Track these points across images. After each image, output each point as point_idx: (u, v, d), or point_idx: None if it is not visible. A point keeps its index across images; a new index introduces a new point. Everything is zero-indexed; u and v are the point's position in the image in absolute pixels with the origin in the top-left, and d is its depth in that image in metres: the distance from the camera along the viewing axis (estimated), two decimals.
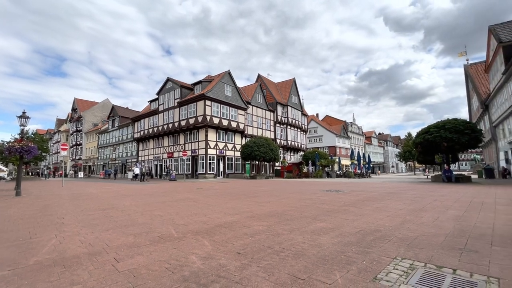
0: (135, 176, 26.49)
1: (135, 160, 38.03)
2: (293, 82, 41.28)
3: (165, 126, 31.95)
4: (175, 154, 31.02)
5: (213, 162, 27.69)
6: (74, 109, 58.23)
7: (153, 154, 34.84)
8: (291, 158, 39.85)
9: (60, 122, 66.50)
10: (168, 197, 9.01)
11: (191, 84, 31.68)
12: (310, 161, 33.48)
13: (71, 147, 56.50)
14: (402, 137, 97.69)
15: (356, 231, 3.66)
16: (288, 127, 39.27)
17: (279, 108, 37.93)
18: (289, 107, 39.19)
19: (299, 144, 41.92)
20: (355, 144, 65.29)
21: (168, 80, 32.67)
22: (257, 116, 34.61)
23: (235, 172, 30.38)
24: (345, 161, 50.44)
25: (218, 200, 7.81)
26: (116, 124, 44.23)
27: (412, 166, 73.30)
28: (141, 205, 6.99)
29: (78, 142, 55.69)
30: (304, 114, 44.32)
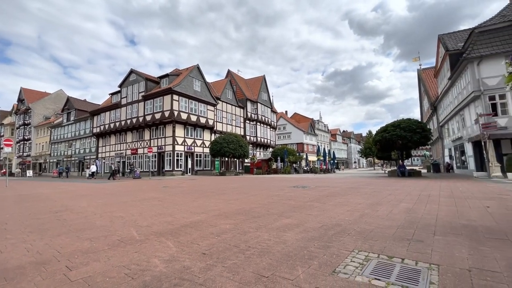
0: (92, 174, 24.68)
1: (94, 157, 35.38)
2: (263, 79, 41.59)
3: (129, 121, 30.14)
4: (140, 151, 29.49)
5: (181, 159, 26.88)
6: (20, 100, 52.07)
7: (115, 151, 32.71)
8: (260, 154, 40.30)
9: (3, 114, 59.07)
10: (131, 196, 8.55)
11: (157, 77, 30.25)
12: (279, 158, 34.22)
13: (17, 142, 50.64)
14: (364, 134, 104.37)
15: (319, 226, 3.83)
16: (258, 123, 39.58)
17: (249, 104, 37.98)
18: (259, 104, 39.46)
19: (268, 141, 42.54)
20: (321, 141, 68.17)
21: (131, 71, 30.78)
22: (226, 112, 34.29)
23: (204, 169, 29.88)
24: (312, 157, 52.45)
25: (185, 198, 7.62)
26: (72, 118, 40.60)
27: (372, 161, 78.84)
28: (100, 206, 6.54)
29: (26, 137, 50.08)
30: (273, 111, 45.00)
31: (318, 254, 2.63)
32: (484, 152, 15.03)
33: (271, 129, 44.07)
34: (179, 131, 27.01)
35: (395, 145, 17.55)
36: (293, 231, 3.58)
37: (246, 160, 35.10)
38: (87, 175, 27.54)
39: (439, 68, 23.96)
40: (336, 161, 48.62)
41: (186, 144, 27.60)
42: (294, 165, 38.67)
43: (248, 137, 37.23)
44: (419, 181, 12.69)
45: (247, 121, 37.66)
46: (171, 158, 26.13)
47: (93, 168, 25.29)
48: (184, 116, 26.95)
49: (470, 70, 16.11)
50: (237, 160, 33.86)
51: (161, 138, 27.52)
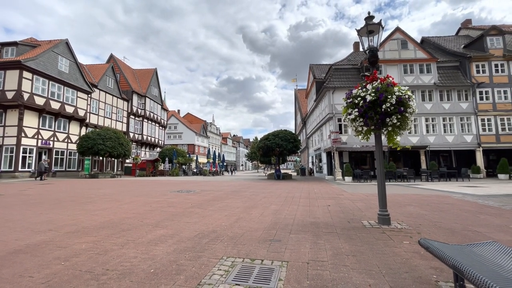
0: None
1: None
2: (154, 73, 38.27)
3: None
4: None
5: (30, 156, 20.57)
6: None
7: None
8: (146, 154, 36.66)
9: None
10: None
11: None
12: (167, 158, 32.26)
13: None
14: (251, 140, 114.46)
15: (194, 234, 3.79)
16: (145, 120, 35.92)
17: (135, 98, 33.91)
18: (147, 99, 35.93)
19: (157, 140, 39.36)
20: (213, 144, 69.55)
21: None
22: (105, 103, 29.19)
23: (68, 169, 24.12)
24: (203, 159, 52.53)
25: (28, 211, 5.81)
26: None
27: (257, 164, 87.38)
28: None
29: None
30: (164, 108, 42.12)
31: (187, 267, 2.58)
32: (332, 160, 19.64)
33: (161, 127, 41.03)
34: (31, 120, 20.67)
35: (274, 151, 20.17)
36: (166, 243, 3.37)
37: (128, 160, 31.00)
38: None
39: (308, 91, 29.59)
40: (225, 164, 50.72)
41: (40, 137, 21.41)
42: (184, 166, 37.50)
43: (132, 134, 33.08)
44: (289, 184, 15.06)
45: (131, 116, 33.42)
46: (14, 154, 19.54)
47: None
48: (40, 101, 20.86)
49: (328, 97, 20.75)
50: (116, 160, 29.38)
51: None
